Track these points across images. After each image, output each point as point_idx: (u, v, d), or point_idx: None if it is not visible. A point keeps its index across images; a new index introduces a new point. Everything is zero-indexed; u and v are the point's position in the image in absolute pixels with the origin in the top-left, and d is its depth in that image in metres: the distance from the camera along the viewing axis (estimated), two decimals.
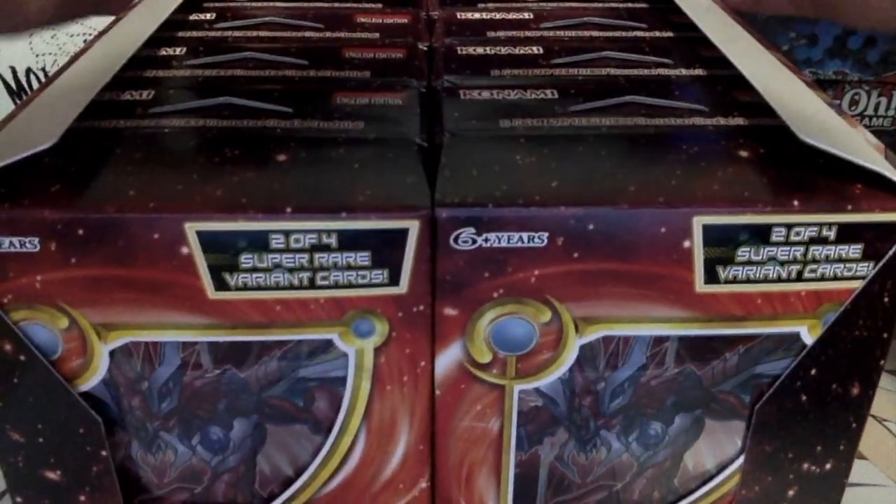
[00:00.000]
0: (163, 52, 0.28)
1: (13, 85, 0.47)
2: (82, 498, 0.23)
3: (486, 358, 0.22)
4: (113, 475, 0.23)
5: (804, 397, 0.23)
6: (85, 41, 0.46)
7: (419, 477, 0.24)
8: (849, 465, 0.24)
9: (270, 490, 0.24)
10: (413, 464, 0.24)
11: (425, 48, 0.29)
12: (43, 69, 0.47)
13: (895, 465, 0.34)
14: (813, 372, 0.22)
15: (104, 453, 0.22)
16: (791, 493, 0.24)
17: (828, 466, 0.24)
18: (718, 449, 0.24)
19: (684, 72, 0.27)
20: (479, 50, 0.28)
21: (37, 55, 0.47)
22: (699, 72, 0.27)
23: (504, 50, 0.28)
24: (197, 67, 0.27)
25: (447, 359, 0.22)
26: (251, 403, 0.22)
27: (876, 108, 0.46)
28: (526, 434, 0.23)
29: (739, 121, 0.24)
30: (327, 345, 0.21)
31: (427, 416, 0.23)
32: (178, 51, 0.28)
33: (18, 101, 0.47)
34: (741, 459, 0.24)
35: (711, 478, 0.24)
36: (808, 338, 0.22)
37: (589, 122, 0.24)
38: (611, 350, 0.22)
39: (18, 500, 0.23)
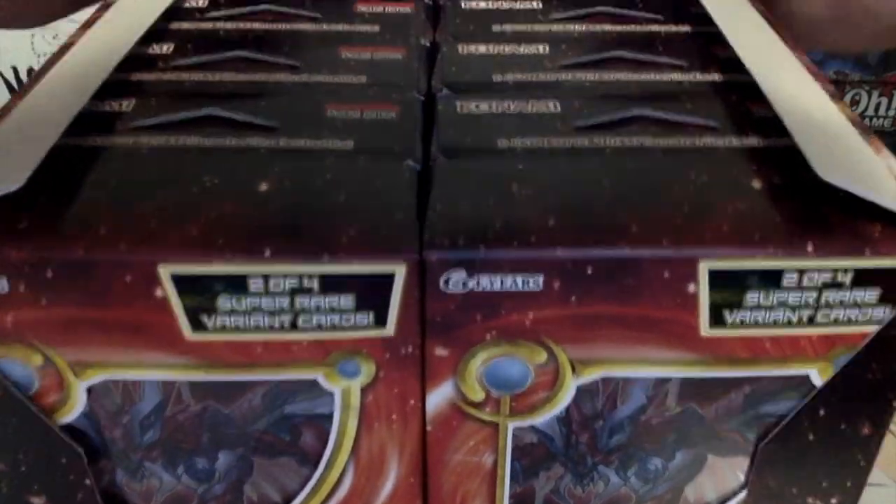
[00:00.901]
0: (150, 51, 0.26)
1: (15, 84, 0.47)
2: None
3: (478, 397, 0.21)
4: (98, 501, 0.22)
5: (811, 436, 0.22)
6: None
7: None
8: (856, 500, 0.23)
9: None
10: (404, 496, 0.23)
11: (427, 44, 0.28)
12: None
13: (895, 465, 0.34)
14: (822, 412, 0.21)
15: (88, 482, 0.22)
16: None
17: (833, 501, 0.23)
18: (720, 483, 0.23)
19: (699, 76, 0.26)
20: (482, 49, 0.27)
21: (38, 55, 0.46)
22: (714, 76, 0.25)
23: (508, 49, 0.27)
24: (183, 70, 0.25)
25: (438, 397, 0.21)
26: (236, 437, 0.22)
27: (876, 108, 0.45)
28: (521, 468, 0.23)
29: (753, 141, 0.22)
30: (312, 384, 0.20)
31: (418, 450, 0.22)
32: (166, 48, 0.27)
33: None
34: (744, 493, 0.23)
35: None
36: (818, 380, 0.21)
37: (592, 141, 0.22)
38: (610, 390, 0.21)
39: None
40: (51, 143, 0.20)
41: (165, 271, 0.18)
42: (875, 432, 0.22)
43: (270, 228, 0.19)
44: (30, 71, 0.47)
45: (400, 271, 0.19)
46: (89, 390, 0.20)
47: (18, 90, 0.24)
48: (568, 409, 0.21)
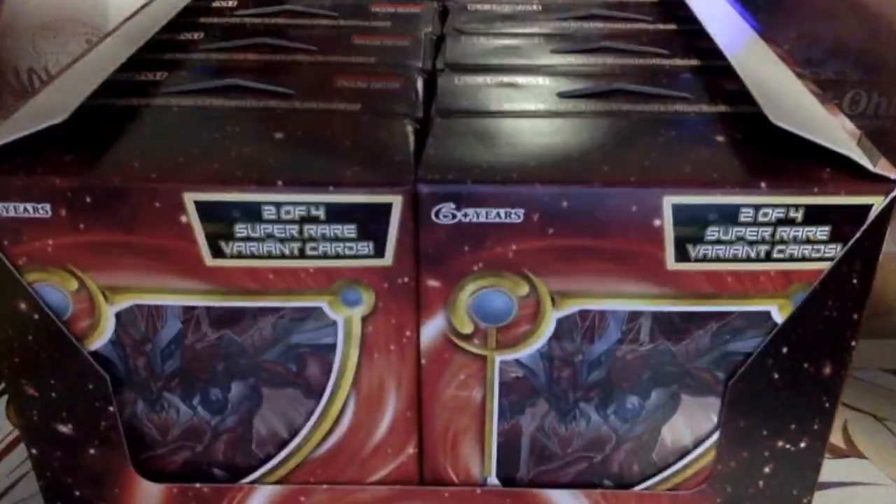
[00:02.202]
0: (182, 37, 0.29)
1: (15, 84, 0.48)
2: (91, 451, 0.25)
3: (468, 329, 0.23)
4: (120, 430, 0.24)
5: (776, 375, 0.24)
6: (87, 41, 0.47)
7: (406, 443, 0.25)
8: (823, 444, 0.25)
9: (266, 451, 0.25)
10: (401, 430, 0.25)
11: (434, 37, 0.30)
12: (45, 68, 0.48)
13: (895, 465, 0.35)
14: (784, 350, 0.23)
15: (112, 409, 0.24)
16: (767, 469, 0.25)
17: (802, 445, 0.25)
18: (695, 424, 0.25)
19: (678, 62, 0.28)
20: (483, 40, 0.30)
21: (39, 55, 0.48)
22: (693, 62, 0.28)
23: (507, 41, 0.30)
24: (212, 51, 0.28)
25: (431, 329, 0.23)
26: (248, 367, 0.24)
27: (876, 108, 0.46)
28: (508, 404, 0.24)
29: (722, 108, 0.25)
30: (317, 312, 0.23)
31: (413, 384, 0.24)
32: (196, 36, 0.29)
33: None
34: (717, 435, 0.25)
35: (688, 452, 0.25)
36: (779, 317, 0.23)
37: (574, 106, 0.25)
38: (587, 324, 0.23)
39: (34, 451, 0.25)
40: (92, 88, 0.23)
41: (190, 198, 0.21)
42: (836, 372, 0.24)
43: (283, 164, 0.21)
44: (30, 71, 0.48)
45: (397, 202, 0.21)
46: (117, 316, 0.23)
47: (19, 90, 0.27)
48: (549, 344, 0.23)
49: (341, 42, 0.29)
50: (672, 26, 0.31)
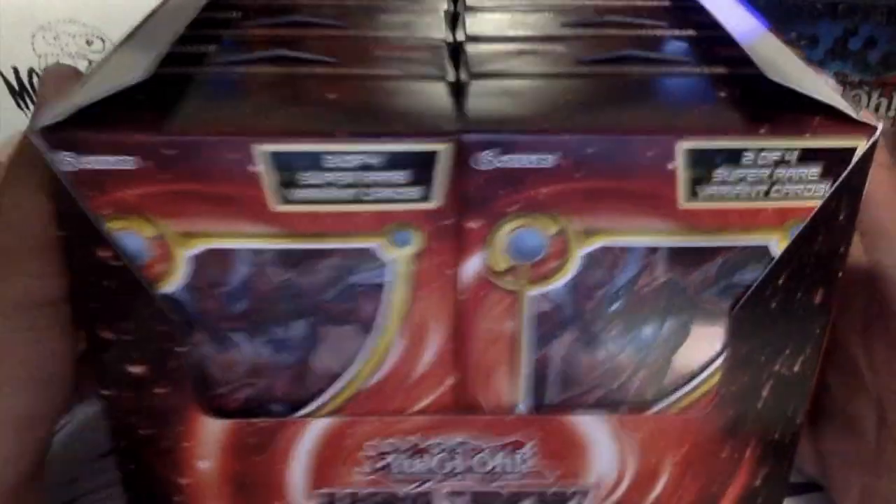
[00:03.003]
0: (222, 15, 0.32)
1: (15, 85, 0.50)
2: (159, 391, 0.27)
3: (502, 266, 0.26)
4: (188, 370, 0.27)
5: (774, 303, 0.27)
6: (87, 42, 0.49)
7: (447, 374, 0.28)
8: (814, 368, 0.28)
9: (320, 386, 0.28)
10: (442, 362, 0.28)
11: (451, 11, 0.33)
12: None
13: None
14: (781, 281, 0.26)
15: (182, 349, 0.27)
16: (765, 391, 0.28)
17: (796, 368, 0.28)
18: (702, 351, 0.28)
19: (677, 32, 0.31)
20: (497, 15, 0.33)
21: (39, 55, 0.49)
22: (690, 32, 0.31)
23: (519, 17, 0.33)
24: (252, 27, 0.31)
25: (471, 267, 0.26)
26: (308, 306, 0.26)
27: (877, 109, 0.48)
28: (537, 336, 0.27)
29: (721, 70, 0.28)
30: (371, 253, 0.25)
31: (453, 319, 0.27)
32: (235, 14, 0.32)
33: (21, 102, 0.50)
34: (721, 360, 0.28)
35: (695, 377, 0.28)
36: (776, 250, 0.26)
37: (592, 70, 0.28)
38: (610, 260, 0.26)
39: (106, 393, 0.28)
40: (164, 50, 0.25)
41: (260, 150, 0.24)
42: (826, 300, 0.27)
43: (340, 119, 0.24)
44: (30, 71, 0.49)
45: (444, 150, 0.24)
46: (191, 261, 0.25)
47: (20, 90, 0.29)
48: (575, 278, 0.26)
49: (371, 19, 0.32)
50: (666, 3, 0.34)
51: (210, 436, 0.29)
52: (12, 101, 0.50)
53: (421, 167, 0.24)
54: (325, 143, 0.24)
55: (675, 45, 0.30)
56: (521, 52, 0.29)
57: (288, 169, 0.24)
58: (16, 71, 0.49)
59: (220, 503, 0.30)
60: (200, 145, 0.24)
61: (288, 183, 0.24)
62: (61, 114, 0.23)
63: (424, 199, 0.25)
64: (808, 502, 0.34)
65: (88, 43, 0.48)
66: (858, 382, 0.31)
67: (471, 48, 0.29)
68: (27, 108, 0.49)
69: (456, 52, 0.30)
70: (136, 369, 0.27)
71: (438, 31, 0.31)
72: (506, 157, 0.24)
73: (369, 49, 0.29)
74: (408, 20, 0.32)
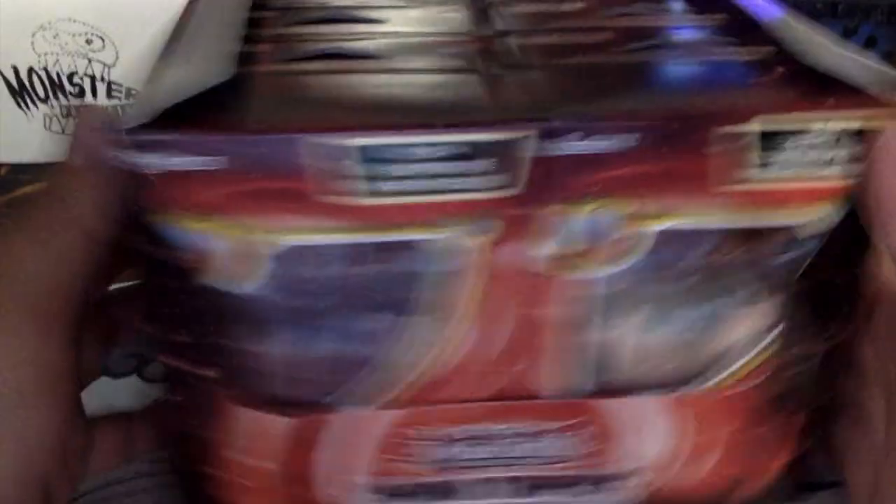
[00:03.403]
0: (256, 14, 0.32)
1: (15, 84, 0.49)
2: (232, 392, 0.27)
3: (578, 249, 0.27)
4: (262, 369, 0.27)
5: (825, 276, 0.28)
6: (87, 41, 0.48)
7: (516, 361, 0.28)
8: (851, 338, 0.30)
9: (392, 377, 0.28)
10: (512, 349, 0.28)
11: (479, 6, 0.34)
12: (45, 68, 0.49)
13: None
14: (832, 254, 0.28)
15: (259, 349, 0.26)
16: (814, 362, 0.30)
17: (841, 337, 0.30)
18: (755, 326, 0.29)
19: (707, 18, 0.32)
20: (524, 7, 0.33)
21: (39, 54, 0.49)
22: (719, 17, 0.32)
23: (545, 7, 0.33)
24: (291, 25, 0.31)
25: (546, 251, 0.26)
26: (390, 298, 0.26)
27: None
28: (604, 318, 0.28)
29: (761, 52, 0.29)
30: (455, 241, 0.26)
31: (527, 304, 0.27)
32: (271, 13, 0.32)
33: (20, 101, 0.49)
34: (771, 335, 0.29)
35: (748, 352, 0.30)
36: (830, 224, 0.27)
37: (629, 58, 0.29)
38: (677, 240, 0.27)
39: (175, 398, 0.27)
40: (235, 49, 0.25)
41: (352, 144, 0.24)
42: (856, 276, 0.28)
43: (427, 111, 0.24)
44: (30, 70, 0.49)
45: (531, 136, 0.24)
46: (274, 259, 0.25)
47: (20, 90, 0.29)
48: (644, 259, 0.27)
49: (402, 15, 0.32)
50: None
51: (277, 433, 0.28)
52: (12, 101, 0.48)
53: (508, 154, 0.25)
54: (412, 136, 0.24)
55: (708, 31, 0.31)
56: (558, 42, 0.30)
57: (375, 162, 0.24)
58: (15, 70, 0.48)
59: (281, 499, 0.30)
60: (291, 143, 0.24)
61: (380, 176, 0.24)
62: (145, 115, 0.23)
63: (507, 186, 0.25)
64: (820, 500, 0.35)
65: (88, 42, 0.47)
66: (864, 374, 0.32)
67: (512, 41, 0.30)
68: (27, 107, 0.48)
69: (490, 44, 0.31)
70: (210, 372, 0.27)
71: (470, 24, 0.32)
72: (587, 142, 0.25)
73: (410, 43, 0.30)
74: (437, 15, 0.32)
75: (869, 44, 0.49)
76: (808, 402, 0.31)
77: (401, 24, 0.32)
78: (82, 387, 0.31)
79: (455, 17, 0.32)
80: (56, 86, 0.48)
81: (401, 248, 0.26)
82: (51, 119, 0.49)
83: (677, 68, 0.28)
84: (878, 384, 0.32)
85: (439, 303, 0.27)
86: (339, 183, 0.24)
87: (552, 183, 0.25)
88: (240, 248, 0.25)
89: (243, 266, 0.25)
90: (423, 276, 0.26)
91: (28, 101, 0.49)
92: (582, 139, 0.25)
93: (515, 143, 0.24)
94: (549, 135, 0.24)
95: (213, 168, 0.24)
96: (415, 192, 0.25)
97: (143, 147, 0.23)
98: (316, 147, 0.24)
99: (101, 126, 0.24)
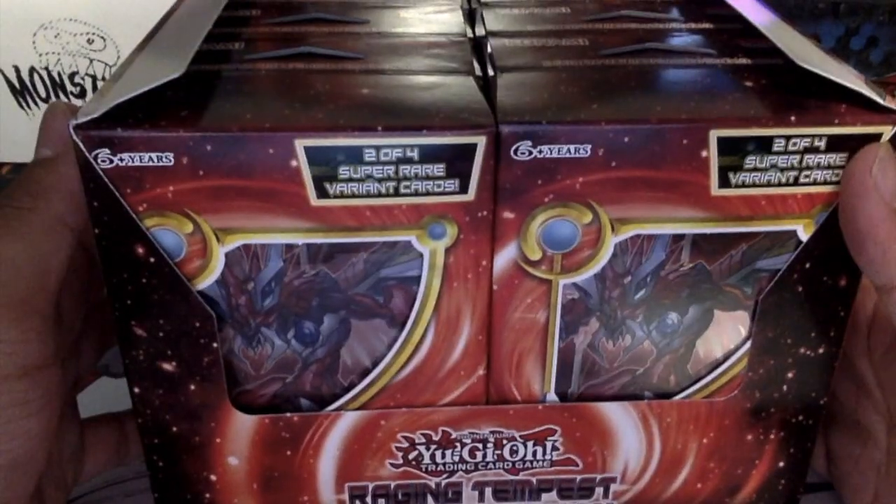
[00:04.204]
0: (241, 13, 0.32)
1: (16, 83, 0.50)
2: (192, 387, 0.27)
3: (536, 256, 0.26)
4: (221, 366, 0.27)
5: (800, 288, 0.27)
6: (88, 41, 0.49)
7: (478, 365, 0.28)
8: (837, 350, 0.29)
9: (350, 380, 0.28)
10: (473, 353, 0.28)
11: (468, 7, 0.34)
12: (46, 68, 0.49)
13: None
14: (808, 265, 0.27)
15: (214, 345, 0.27)
16: (790, 374, 0.29)
17: (820, 350, 0.29)
18: (725, 337, 0.28)
19: (693, 25, 0.32)
20: (516, 10, 0.33)
21: (40, 54, 0.49)
22: (707, 25, 0.32)
23: (538, 11, 0.33)
24: (274, 25, 0.31)
25: (504, 258, 0.26)
26: (339, 300, 0.26)
27: None
28: (565, 324, 0.28)
29: (744, 61, 0.28)
30: (407, 246, 0.26)
31: (486, 309, 0.27)
32: (255, 12, 0.32)
33: (22, 100, 0.50)
34: (746, 346, 0.28)
35: (721, 363, 0.29)
36: (804, 235, 0.26)
37: (617, 62, 0.28)
38: (637, 248, 0.26)
39: (136, 390, 0.28)
40: (195, 47, 0.25)
41: (300, 144, 0.24)
42: (850, 283, 0.27)
43: (379, 112, 0.24)
44: (31, 69, 0.49)
45: (481, 142, 0.24)
46: (226, 256, 0.25)
47: (21, 89, 0.29)
48: (604, 267, 0.27)
49: (390, 15, 0.32)
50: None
51: (240, 431, 0.29)
52: (13, 100, 0.49)
53: (459, 160, 0.24)
54: (364, 138, 0.24)
55: (694, 37, 0.30)
56: (545, 46, 0.29)
57: (327, 163, 0.24)
58: (17, 70, 0.48)
59: (250, 498, 0.30)
60: (240, 141, 0.24)
61: (327, 177, 0.24)
62: (96, 111, 0.23)
63: (461, 191, 0.25)
64: (822, 501, 0.34)
65: (89, 41, 0.47)
66: (865, 391, 0.31)
67: (493, 42, 0.30)
68: (28, 106, 0.49)
69: (478, 46, 0.30)
70: (167, 366, 0.27)
71: (458, 26, 0.31)
72: (542, 148, 0.24)
73: (393, 44, 0.29)
74: (426, 16, 0.32)
75: (870, 44, 0.48)
76: (786, 416, 0.30)
77: (386, 24, 0.32)
78: (82, 387, 0.31)
79: (445, 18, 0.32)
80: (57, 85, 0.49)
81: (350, 251, 0.26)
82: None
83: (655, 75, 0.27)
84: (877, 398, 0.31)
85: (392, 307, 0.27)
86: (291, 184, 0.24)
87: (508, 189, 0.25)
88: (194, 245, 0.25)
89: (198, 263, 0.26)
90: (372, 279, 0.26)
91: (29, 100, 0.49)
92: (536, 146, 0.24)
93: (468, 148, 0.24)
94: (503, 141, 0.24)
95: (165, 164, 0.24)
96: (365, 195, 0.25)
97: (95, 143, 0.23)
98: (267, 146, 0.24)
99: (67, 120, 0.24)
